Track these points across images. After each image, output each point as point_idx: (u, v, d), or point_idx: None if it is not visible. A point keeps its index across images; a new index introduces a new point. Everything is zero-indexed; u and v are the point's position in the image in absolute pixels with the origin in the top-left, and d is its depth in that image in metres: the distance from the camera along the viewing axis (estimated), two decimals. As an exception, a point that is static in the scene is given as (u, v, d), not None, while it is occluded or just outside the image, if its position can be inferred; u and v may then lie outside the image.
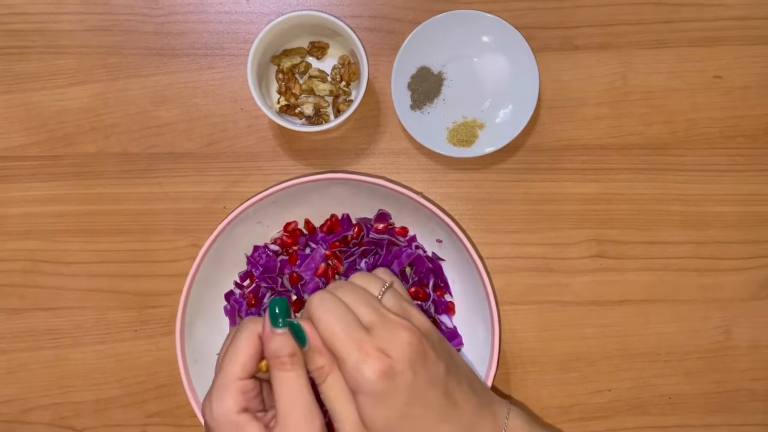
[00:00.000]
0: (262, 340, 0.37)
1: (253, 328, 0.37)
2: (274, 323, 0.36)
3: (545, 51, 0.57)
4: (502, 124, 0.56)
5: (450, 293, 0.54)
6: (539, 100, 0.56)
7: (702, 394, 0.56)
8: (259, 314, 0.53)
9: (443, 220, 0.49)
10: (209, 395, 0.36)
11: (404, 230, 0.54)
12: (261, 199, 0.50)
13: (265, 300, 0.53)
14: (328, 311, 0.36)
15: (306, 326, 0.36)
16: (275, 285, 0.53)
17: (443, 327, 0.53)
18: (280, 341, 0.36)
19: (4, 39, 0.58)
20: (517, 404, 0.55)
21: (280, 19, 0.52)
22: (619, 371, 0.57)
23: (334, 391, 0.36)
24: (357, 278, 0.40)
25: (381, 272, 0.41)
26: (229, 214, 0.49)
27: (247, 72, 0.52)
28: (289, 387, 0.35)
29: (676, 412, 0.56)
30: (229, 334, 0.39)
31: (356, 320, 0.36)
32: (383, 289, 0.39)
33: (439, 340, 0.39)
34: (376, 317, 0.37)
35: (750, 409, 0.57)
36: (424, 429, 0.36)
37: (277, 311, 0.36)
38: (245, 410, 0.36)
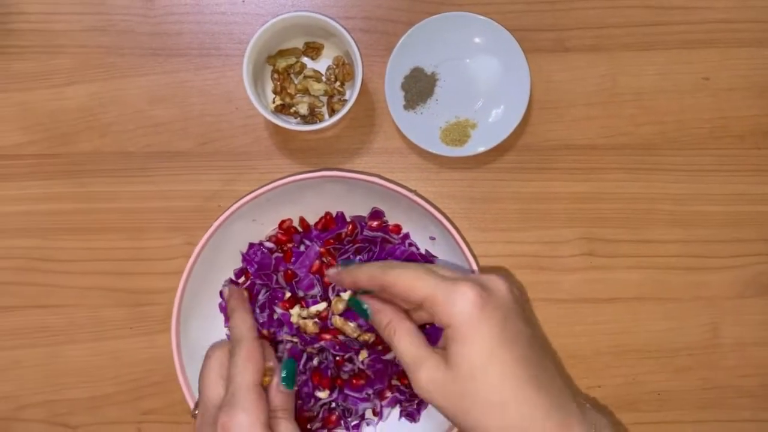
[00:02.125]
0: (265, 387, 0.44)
1: (248, 346, 0.44)
2: (288, 385, 0.44)
3: (537, 52, 0.58)
4: (494, 124, 0.57)
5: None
6: (531, 100, 0.57)
7: (691, 391, 0.57)
8: (254, 311, 0.53)
9: (436, 218, 0.50)
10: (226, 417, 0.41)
11: (398, 228, 0.55)
12: (256, 197, 0.50)
13: (260, 297, 0.53)
14: (411, 267, 0.40)
15: (365, 298, 0.42)
16: (270, 282, 0.53)
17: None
18: (285, 399, 0.44)
19: (1, 38, 0.58)
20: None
21: (275, 20, 0.53)
22: (610, 368, 0.57)
23: (408, 338, 0.39)
24: (436, 265, 0.45)
25: None
26: (224, 212, 0.50)
27: (242, 72, 0.53)
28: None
29: (666, 408, 0.57)
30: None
31: (440, 274, 0.39)
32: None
33: (526, 310, 0.43)
34: (463, 273, 0.41)
35: (737, 405, 0.57)
36: (504, 386, 0.36)
37: (288, 374, 0.44)
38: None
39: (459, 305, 0.36)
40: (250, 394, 0.41)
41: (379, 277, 0.40)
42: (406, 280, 0.39)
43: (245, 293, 0.48)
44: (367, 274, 0.41)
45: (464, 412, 0.36)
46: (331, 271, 0.45)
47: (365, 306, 0.42)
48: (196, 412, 0.44)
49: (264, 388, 0.43)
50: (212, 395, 0.43)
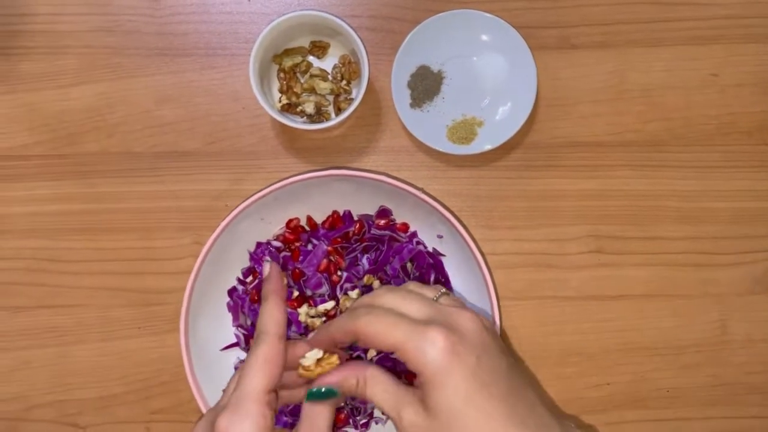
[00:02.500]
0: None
1: (280, 335, 0.38)
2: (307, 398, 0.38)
3: (543, 50, 0.58)
4: (501, 122, 0.57)
5: (451, 288, 0.55)
6: (537, 98, 0.57)
7: (699, 388, 0.57)
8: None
9: (444, 216, 0.50)
10: (222, 418, 0.35)
11: (405, 226, 0.55)
12: (263, 196, 0.50)
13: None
14: (382, 315, 0.37)
15: (326, 376, 0.38)
16: (278, 281, 0.53)
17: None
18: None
19: (8, 40, 0.58)
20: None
21: (281, 18, 0.53)
22: (618, 365, 0.57)
23: (380, 387, 0.37)
24: (411, 285, 0.41)
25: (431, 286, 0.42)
26: (231, 211, 0.50)
27: (249, 71, 0.53)
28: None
29: (674, 405, 0.57)
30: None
31: (410, 315, 0.38)
32: (438, 294, 0.40)
33: (499, 340, 0.39)
34: (433, 310, 0.38)
35: (746, 401, 0.57)
36: (484, 429, 0.35)
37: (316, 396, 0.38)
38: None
39: (430, 354, 0.36)
40: (256, 404, 0.35)
41: (350, 327, 0.38)
42: (375, 328, 0.37)
43: (284, 278, 0.42)
44: (337, 327, 0.39)
45: None
46: (305, 346, 0.41)
47: (323, 389, 0.38)
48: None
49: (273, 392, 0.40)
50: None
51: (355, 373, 0.38)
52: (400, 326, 0.37)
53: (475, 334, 0.37)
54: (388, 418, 0.38)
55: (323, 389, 0.38)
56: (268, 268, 0.41)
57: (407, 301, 0.39)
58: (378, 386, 0.38)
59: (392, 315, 0.38)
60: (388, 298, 0.39)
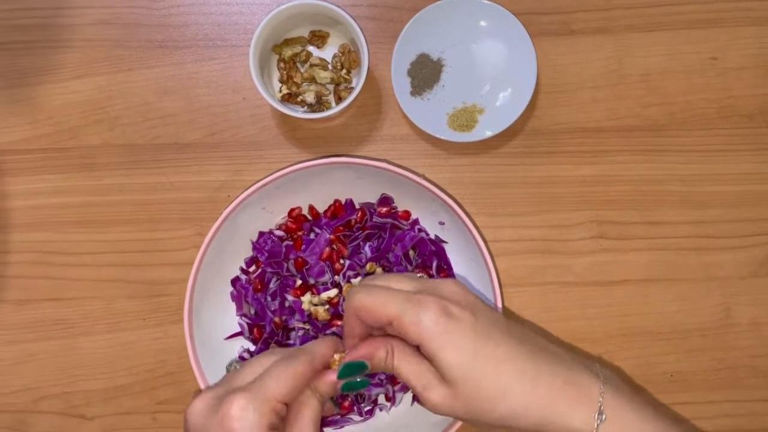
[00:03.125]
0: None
1: (310, 360, 0.38)
2: (343, 389, 0.40)
3: (542, 36, 0.58)
4: (501, 109, 0.57)
5: (453, 275, 0.55)
6: (537, 84, 0.57)
7: (703, 372, 0.57)
8: (265, 299, 0.53)
9: (446, 202, 0.50)
10: (239, 397, 0.35)
11: (407, 214, 0.55)
12: (264, 185, 0.50)
13: (271, 285, 0.53)
14: (374, 290, 0.39)
15: (357, 350, 0.40)
16: (281, 270, 0.53)
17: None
18: (331, 389, 0.40)
19: (8, 34, 0.59)
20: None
21: (280, 8, 0.53)
22: (622, 350, 0.57)
23: (406, 362, 0.38)
24: (394, 274, 0.46)
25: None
26: (233, 200, 0.50)
27: (249, 62, 0.53)
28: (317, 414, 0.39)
29: (679, 389, 0.57)
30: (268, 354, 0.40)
31: (402, 289, 0.39)
32: (420, 275, 0.44)
33: (487, 303, 0.41)
34: (420, 283, 0.40)
35: (751, 385, 0.57)
36: (500, 373, 0.36)
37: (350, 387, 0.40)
38: (273, 429, 0.36)
39: (425, 320, 0.37)
40: (272, 404, 0.35)
41: (348, 307, 0.40)
42: (371, 302, 0.38)
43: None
44: (345, 316, 0.41)
45: (480, 414, 0.37)
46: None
47: (358, 379, 0.40)
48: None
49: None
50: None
51: (384, 344, 0.39)
52: (394, 299, 0.38)
53: (461, 296, 0.39)
54: (413, 391, 0.39)
55: (356, 362, 0.39)
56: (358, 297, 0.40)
57: (395, 279, 0.40)
58: (404, 359, 0.39)
59: (384, 290, 0.39)
60: (378, 280, 0.41)
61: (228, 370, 0.41)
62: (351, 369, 0.39)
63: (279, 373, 0.36)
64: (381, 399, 0.54)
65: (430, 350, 0.37)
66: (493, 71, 0.57)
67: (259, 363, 0.38)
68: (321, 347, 0.40)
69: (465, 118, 0.57)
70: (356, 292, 0.39)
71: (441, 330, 0.37)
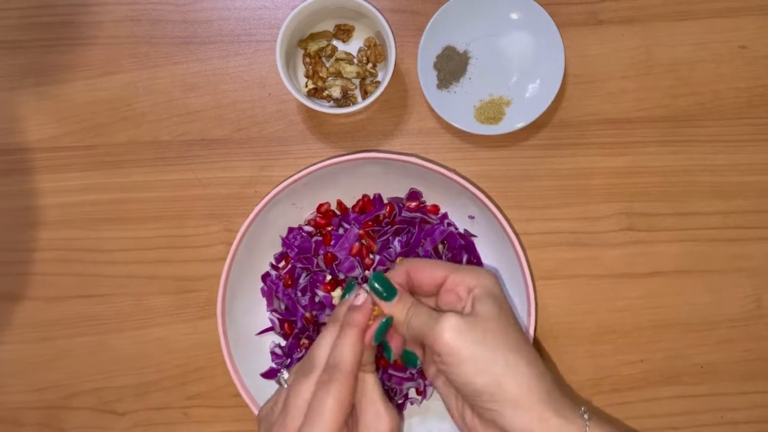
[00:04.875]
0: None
1: (352, 373, 0.40)
2: (377, 339, 0.42)
3: (570, 26, 0.57)
4: (529, 101, 0.56)
5: (483, 269, 0.55)
6: (565, 75, 0.57)
7: (734, 363, 0.57)
8: (296, 294, 0.53)
9: (476, 196, 0.49)
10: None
11: (436, 208, 0.55)
12: (295, 181, 0.50)
13: (301, 280, 0.54)
14: (423, 259, 0.45)
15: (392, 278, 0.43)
16: (311, 265, 0.53)
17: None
18: (372, 353, 0.42)
19: (33, 32, 0.59)
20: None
21: (306, 3, 0.53)
22: (652, 342, 0.57)
23: (426, 315, 0.41)
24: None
25: None
26: (264, 197, 0.50)
27: (276, 57, 0.53)
28: (375, 385, 0.41)
29: (709, 380, 0.57)
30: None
31: None
32: None
33: None
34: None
35: (782, 376, 0.57)
36: (520, 347, 0.39)
37: (383, 331, 0.42)
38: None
39: (483, 275, 0.42)
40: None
41: (402, 268, 0.44)
42: (425, 264, 0.43)
43: (371, 306, 0.42)
44: (393, 273, 0.44)
45: (478, 358, 0.38)
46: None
47: (393, 283, 0.43)
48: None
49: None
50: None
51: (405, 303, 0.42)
52: (451, 263, 0.44)
53: (499, 283, 0.43)
54: (424, 343, 0.41)
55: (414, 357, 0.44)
56: (361, 298, 0.42)
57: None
58: (424, 315, 0.41)
59: (436, 262, 0.44)
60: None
61: (279, 383, 0.42)
62: (410, 355, 0.44)
63: (323, 410, 0.38)
64: (412, 393, 0.54)
65: (480, 295, 0.41)
66: (520, 62, 0.57)
67: (326, 343, 0.41)
68: (350, 360, 0.40)
69: (492, 111, 0.56)
70: (411, 258, 0.46)
71: (496, 289, 0.41)
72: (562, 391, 0.39)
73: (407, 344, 0.44)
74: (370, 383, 0.41)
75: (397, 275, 0.43)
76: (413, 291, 0.44)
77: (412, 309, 0.41)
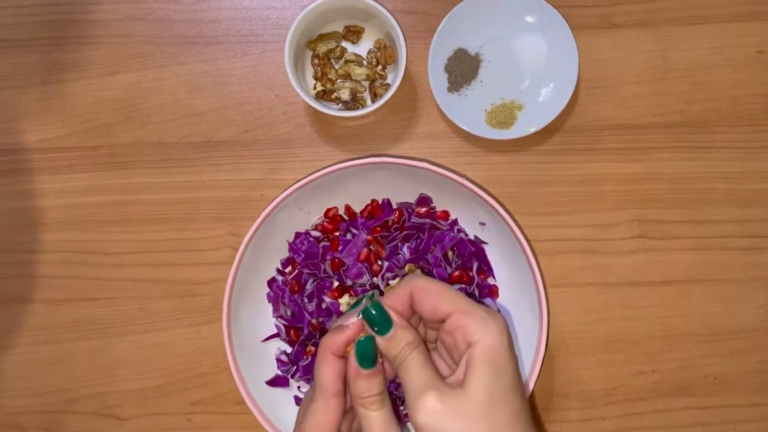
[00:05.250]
0: (346, 378, 0.37)
1: (329, 393, 0.36)
2: (364, 365, 0.36)
3: (583, 30, 0.56)
4: (541, 105, 0.55)
5: (493, 276, 0.54)
6: (578, 79, 0.56)
7: (748, 374, 0.56)
8: (302, 300, 0.53)
9: (488, 203, 0.48)
10: None
11: (446, 214, 0.54)
12: (303, 186, 0.49)
13: (308, 286, 0.53)
14: (435, 282, 0.37)
15: (390, 310, 0.36)
16: (318, 271, 0.52)
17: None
18: (368, 384, 0.36)
19: (38, 30, 0.58)
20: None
21: (317, 3, 0.52)
22: (663, 352, 0.56)
23: (420, 363, 0.35)
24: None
25: None
26: (271, 201, 0.49)
27: (284, 58, 0.52)
28: (379, 426, 0.35)
29: (722, 392, 0.56)
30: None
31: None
32: None
33: None
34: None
35: (796, 388, 0.56)
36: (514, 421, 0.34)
37: (367, 354, 0.36)
38: None
39: (494, 327, 0.35)
40: None
41: (406, 289, 0.37)
42: (435, 289, 0.36)
43: (352, 333, 0.37)
44: (392, 296, 0.37)
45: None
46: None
47: (392, 316, 0.36)
48: None
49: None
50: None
51: (415, 337, 0.36)
52: (460, 296, 0.36)
53: (508, 331, 0.36)
54: (408, 388, 0.35)
55: (389, 312, 0.37)
56: (350, 320, 0.37)
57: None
58: (420, 358, 0.35)
59: (448, 286, 0.37)
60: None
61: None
62: (379, 309, 0.36)
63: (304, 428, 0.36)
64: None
65: (481, 357, 0.34)
66: (533, 66, 0.56)
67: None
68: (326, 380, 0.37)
69: (504, 115, 0.55)
70: (420, 278, 0.37)
71: (504, 338, 0.35)
72: None
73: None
74: (375, 422, 0.35)
75: (398, 296, 0.37)
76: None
77: (407, 350, 0.35)
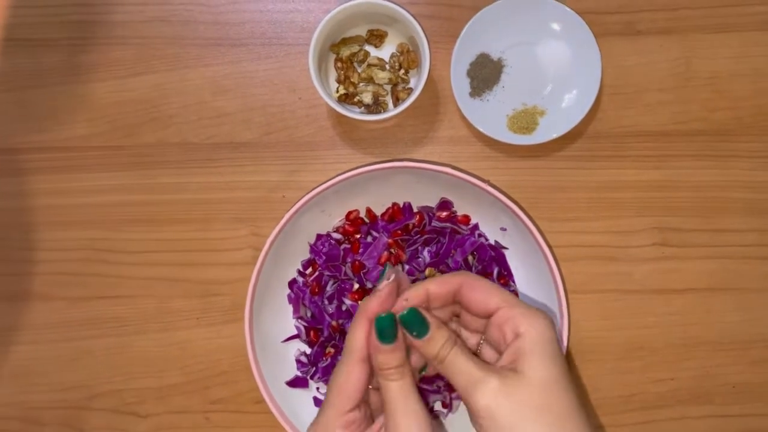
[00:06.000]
0: (369, 351, 0.38)
1: (355, 358, 0.38)
2: (384, 340, 0.37)
3: (607, 36, 0.56)
4: (563, 111, 0.55)
5: (514, 282, 0.54)
6: (600, 86, 0.56)
7: (767, 383, 0.56)
8: (322, 302, 0.53)
9: (510, 209, 0.49)
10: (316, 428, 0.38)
11: (467, 218, 0.54)
12: (326, 188, 0.50)
13: (329, 288, 0.53)
14: (483, 279, 0.40)
15: (424, 313, 0.38)
16: (338, 273, 0.53)
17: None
18: (388, 357, 0.37)
19: (64, 30, 0.58)
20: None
21: (341, 7, 0.52)
22: (682, 360, 0.56)
23: (465, 355, 0.37)
24: None
25: None
26: (295, 204, 0.49)
27: (308, 61, 0.52)
28: (398, 395, 0.37)
29: (741, 401, 0.56)
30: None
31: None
32: None
33: None
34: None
35: (816, 398, 0.56)
36: (551, 424, 0.35)
37: (385, 330, 0.37)
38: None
39: (540, 321, 0.37)
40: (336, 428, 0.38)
41: (454, 280, 0.39)
42: (482, 285, 0.39)
43: (387, 295, 0.39)
44: (437, 282, 0.39)
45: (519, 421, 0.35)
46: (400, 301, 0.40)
47: (427, 318, 0.38)
48: None
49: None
50: None
51: (451, 332, 0.38)
52: (508, 292, 0.38)
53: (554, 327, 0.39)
54: (459, 381, 0.37)
55: (423, 315, 0.38)
56: (384, 284, 0.38)
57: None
58: (464, 355, 0.37)
59: (495, 284, 0.39)
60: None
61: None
62: (415, 315, 0.38)
63: (327, 395, 0.39)
64: (438, 406, 0.53)
65: (529, 347, 0.36)
66: (555, 72, 0.56)
67: None
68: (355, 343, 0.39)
69: (526, 120, 0.56)
70: (468, 272, 0.40)
71: (549, 333, 0.36)
72: None
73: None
74: (394, 392, 0.37)
75: (446, 285, 0.39)
76: (457, 303, 0.41)
77: (447, 347, 0.37)
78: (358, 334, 0.38)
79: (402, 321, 0.37)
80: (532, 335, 0.36)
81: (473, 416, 0.36)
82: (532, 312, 0.37)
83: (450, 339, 0.37)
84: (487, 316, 0.39)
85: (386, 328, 0.37)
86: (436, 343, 0.37)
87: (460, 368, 0.36)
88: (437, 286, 0.39)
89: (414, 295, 0.39)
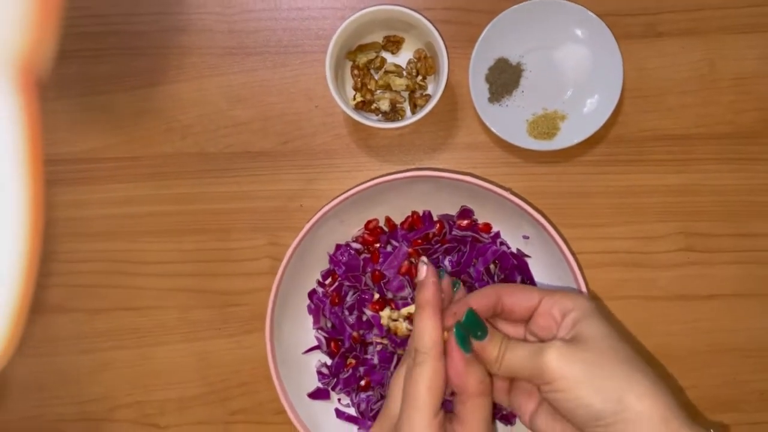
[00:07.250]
0: (447, 373, 0.39)
1: (436, 354, 0.38)
2: (478, 335, 0.39)
3: (627, 39, 0.55)
4: (584, 116, 0.54)
5: (536, 290, 0.53)
6: (622, 89, 0.55)
7: (796, 391, 0.55)
8: (342, 313, 0.52)
9: (533, 217, 0.48)
10: None
11: (488, 226, 0.53)
12: (346, 198, 0.49)
13: (349, 298, 0.52)
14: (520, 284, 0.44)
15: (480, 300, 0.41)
16: (358, 283, 0.52)
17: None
18: (474, 376, 0.39)
19: (79, 42, 0.58)
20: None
21: (358, 14, 0.51)
22: (708, 368, 0.55)
23: (521, 343, 0.39)
24: None
25: None
26: (315, 214, 0.49)
27: (325, 69, 0.52)
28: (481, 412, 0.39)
29: (770, 409, 0.55)
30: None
31: None
32: None
33: None
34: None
35: None
36: (623, 365, 0.36)
37: (474, 323, 0.39)
38: None
39: (580, 297, 0.40)
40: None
41: (492, 291, 0.41)
42: (518, 288, 0.42)
43: (439, 282, 0.41)
44: (478, 295, 0.41)
45: (588, 386, 0.36)
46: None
47: (482, 319, 0.40)
48: None
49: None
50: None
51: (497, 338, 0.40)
52: (539, 288, 0.42)
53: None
54: (526, 378, 0.39)
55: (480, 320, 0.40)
56: (423, 271, 0.40)
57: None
58: (513, 346, 0.39)
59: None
60: None
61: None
62: (474, 319, 0.39)
63: (414, 400, 0.38)
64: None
65: (581, 316, 0.38)
66: (576, 76, 0.55)
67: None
68: (429, 342, 0.39)
69: (546, 125, 0.55)
70: (499, 284, 0.45)
71: (592, 307, 0.39)
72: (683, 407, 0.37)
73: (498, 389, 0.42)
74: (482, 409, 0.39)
75: (485, 297, 0.41)
76: (498, 316, 0.42)
77: (504, 344, 0.39)
78: (431, 329, 0.38)
79: (464, 326, 0.39)
80: (582, 305, 0.39)
81: (549, 388, 0.36)
82: (572, 292, 0.41)
83: (504, 337, 0.39)
84: (530, 314, 0.41)
85: (475, 322, 0.39)
86: (496, 342, 0.39)
87: (521, 352, 0.38)
88: (478, 299, 0.40)
89: (461, 311, 0.40)
